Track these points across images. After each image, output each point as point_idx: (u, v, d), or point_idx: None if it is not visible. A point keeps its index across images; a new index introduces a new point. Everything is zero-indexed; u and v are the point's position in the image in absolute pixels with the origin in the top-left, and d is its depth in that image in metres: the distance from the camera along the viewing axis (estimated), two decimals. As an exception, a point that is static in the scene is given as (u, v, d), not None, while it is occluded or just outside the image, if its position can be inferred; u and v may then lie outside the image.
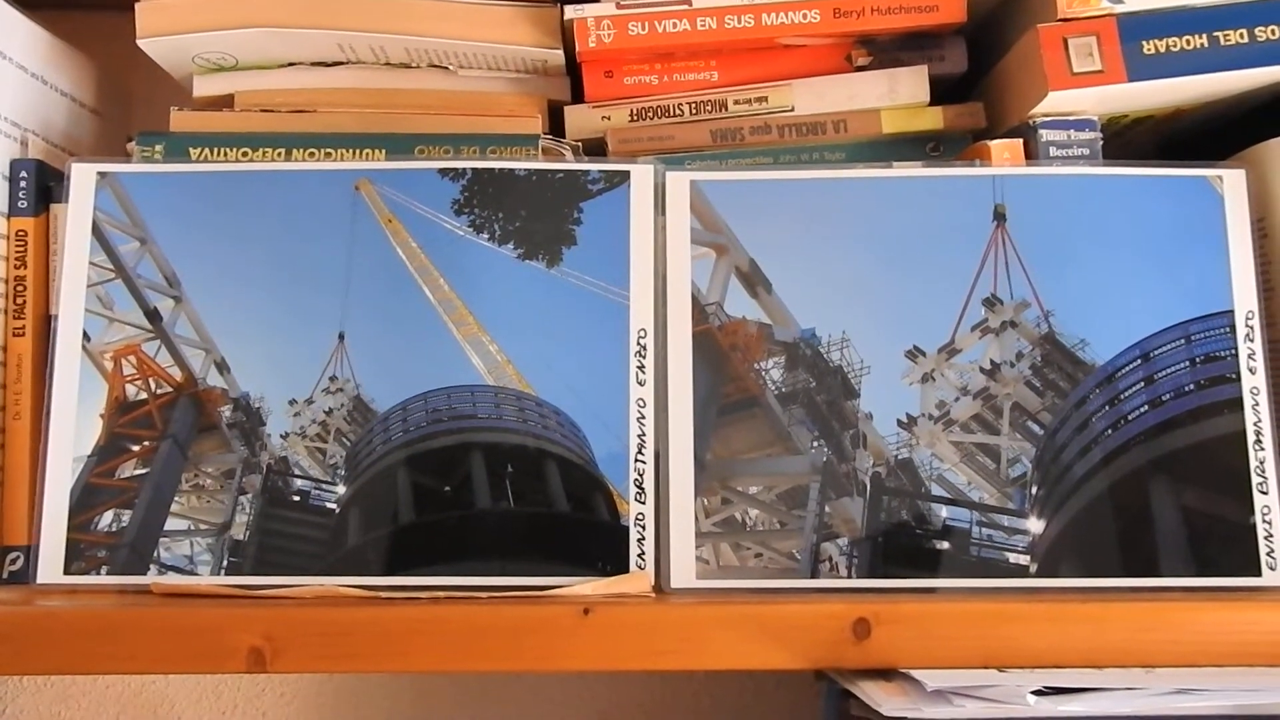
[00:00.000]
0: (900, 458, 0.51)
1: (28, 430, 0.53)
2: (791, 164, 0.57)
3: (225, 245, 0.53)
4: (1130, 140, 0.59)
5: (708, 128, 0.57)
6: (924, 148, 0.57)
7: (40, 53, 0.58)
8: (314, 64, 0.59)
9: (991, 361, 0.52)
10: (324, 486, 0.51)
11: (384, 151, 0.54)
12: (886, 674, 0.47)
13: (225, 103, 0.59)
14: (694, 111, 0.57)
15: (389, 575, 0.49)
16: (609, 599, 0.48)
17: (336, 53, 0.58)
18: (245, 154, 0.54)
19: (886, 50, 0.58)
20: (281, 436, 0.51)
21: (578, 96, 0.60)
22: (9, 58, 0.55)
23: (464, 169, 0.53)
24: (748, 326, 0.52)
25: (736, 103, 0.57)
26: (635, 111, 0.57)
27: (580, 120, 0.58)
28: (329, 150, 0.54)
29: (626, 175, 0.53)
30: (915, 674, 0.45)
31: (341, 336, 0.52)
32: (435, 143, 0.54)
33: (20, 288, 0.54)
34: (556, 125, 0.59)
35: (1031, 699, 0.42)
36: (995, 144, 0.54)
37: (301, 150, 0.54)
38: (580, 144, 0.56)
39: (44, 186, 0.55)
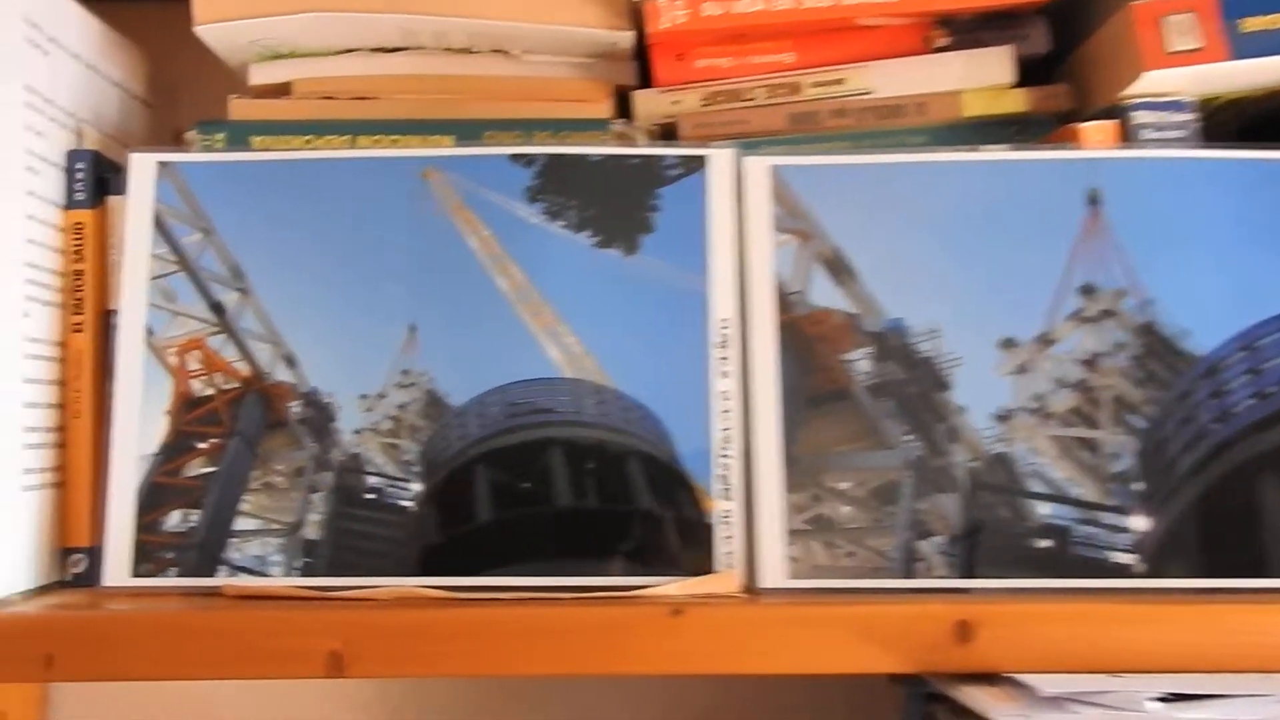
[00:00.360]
0: (996, 452, 0.49)
1: (89, 429, 0.50)
2: (870, 149, 0.55)
3: (290, 236, 0.51)
4: (1220, 123, 0.57)
5: (784, 111, 0.55)
6: (1006, 131, 0.55)
7: (92, 42, 0.56)
8: (373, 50, 0.57)
9: (1089, 352, 0.50)
10: (398, 484, 0.49)
11: (452, 138, 0.52)
12: (988, 678, 0.45)
13: (282, 91, 0.57)
14: (769, 95, 0.55)
15: (468, 576, 0.47)
16: (699, 599, 0.46)
17: (397, 38, 0.56)
18: (309, 142, 0.53)
19: (966, 30, 0.56)
20: (354, 432, 0.49)
21: (643, 81, 0.58)
22: (64, 46, 0.53)
23: (537, 155, 0.51)
24: (834, 316, 0.51)
25: (813, 85, 0.55)
26: (708, 95, 0.55)
27: (649, 105, 0.56)
28: (395, 137, 0.53)
29: (703, 161, 0.51)
30: (1025, 679, 0.43)
31: (413, 329, 0.50)
32: (505, 128, 0.53)
33: (78, 282, 0.51)
34: (622, 111, 0.57)
35: (1151, 706, 0.41)
36: (1089, 126, 0.52)
37: (367, 137, 0.53)
38: (659, 128, 0.55)
39: (100, 178, 0.53)
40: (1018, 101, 0.55)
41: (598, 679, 0.71)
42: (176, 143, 0.64)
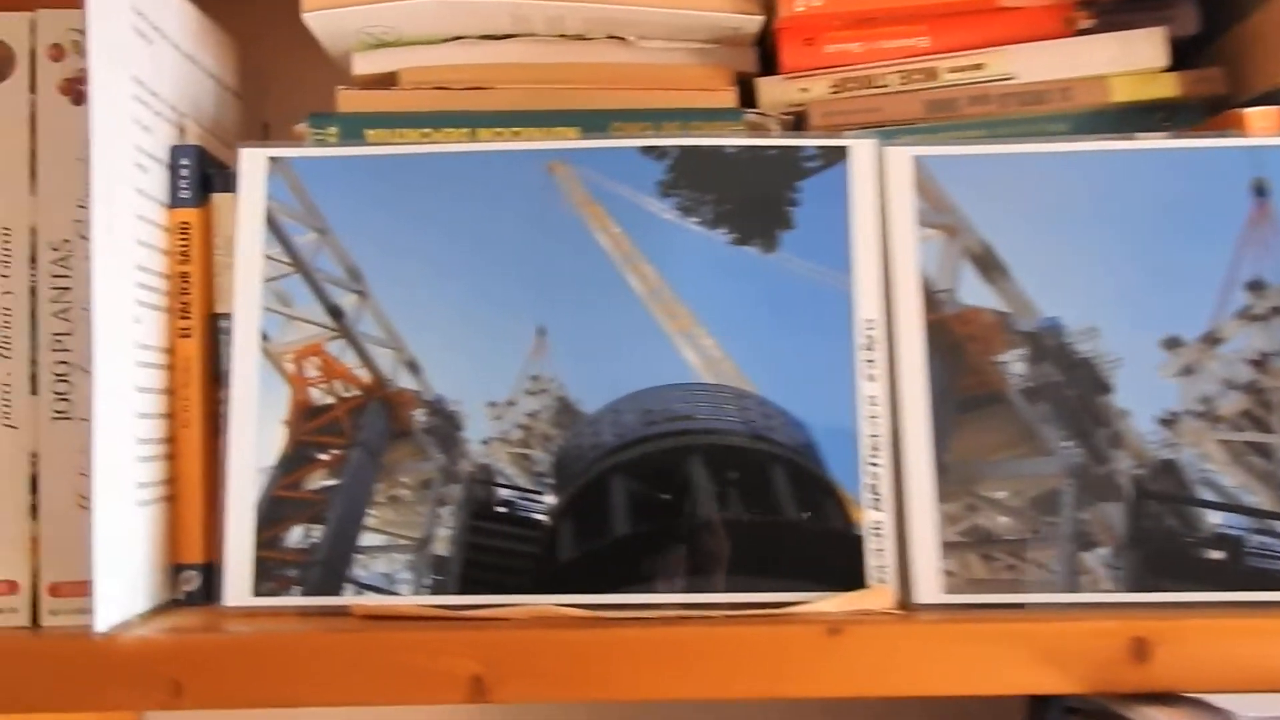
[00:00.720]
0: (1163, 459, 0.46)
1: (199, 439, 0.48)
2: (1008, 138, 0.52)
3: (410, 235, 0.48)
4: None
5: (920, 99, 0.52)
6: (1154, 118, 0.52)
7: (190, 31, 0.53)
8: (482, 37, 0.54)
9: (1259, 351, 0.47)
10: (531, 496, 0.46)
11: (577, 130, 0.49)
12: (1163, 699, 0.43)
13: (387, 81, 0.54)
14: (903, 81, 0.52)
15: (607, 593, 0.45)
16: (854, 617, 0.44)
17: (507, 24, 0.53)
18: (426, 135, 0.50)
19: (1110, 12, 0.53)
20: (482, 442, 0.47)
21: (763, 67, 0.55)
22: (166, 36, 0.50)
23: (669, 146, 0.48)
24: (984, 315, 0.48)
25: (951, 71, 0.52)
26: (838, 82, 0.52)
27: (775, 93, 0.53)
28: (517, 130, 0.50)
29: (845, 152, 0.48)
30: (1217, 701, 0.40)
31: (542, 332, 0.47)
32: (632, 119, 0.50)
33: (185, 285, 0.49)
34: (743, 100, 0.54)
35: (1362, 731, 0.38)
36: (1254, 112, 0.48)
37: (487, 130, 0.50)
38: (793, 117, 0.52)
39: (203, 175, 0.50)
40: (1169, 86, 0.52)
41: (706, 704, 0.68)
42: (264, 136, 0.62)
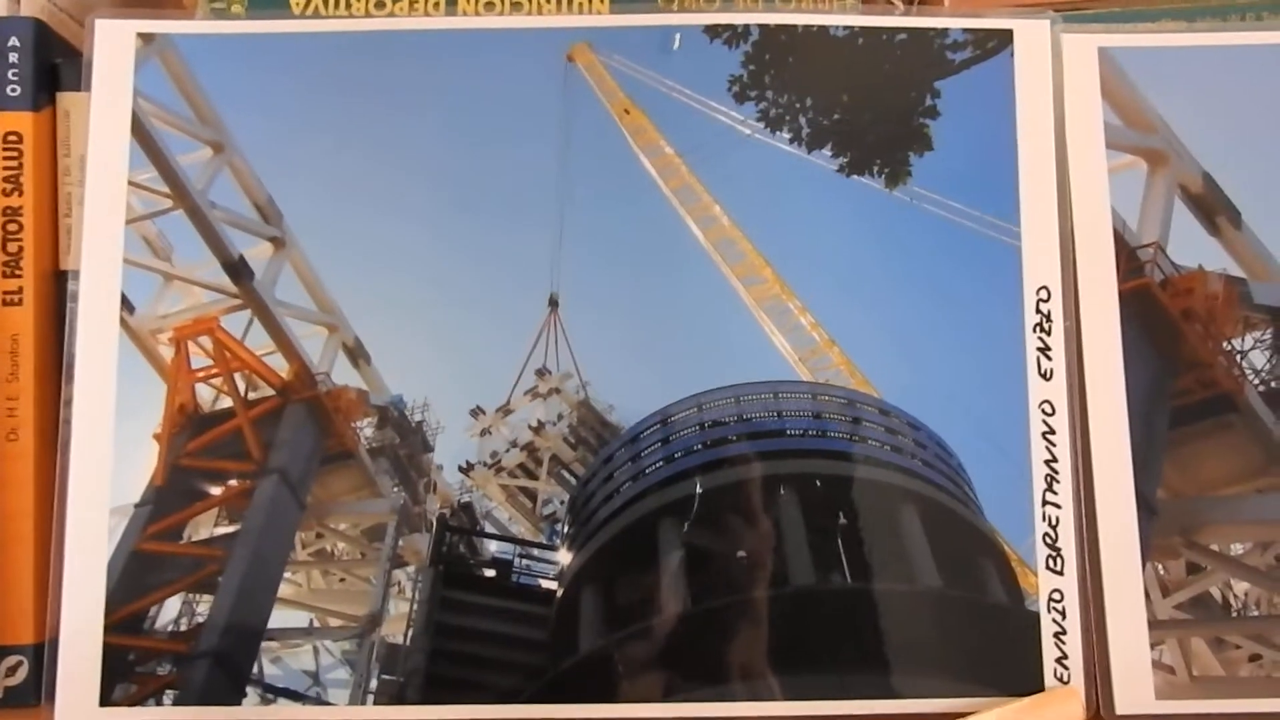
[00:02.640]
0: None
1: (30, 458, 0.35)
2: (1213, 26, 0.38)
3: (354, 153, 0.34)
4: None
5: (1095, -30, 0.38)
6: None
7: None
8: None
9: None
10: (535, 554, 0.33)
11: (607, 0, 0.35)
12: None
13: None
14: (1071, -53, 0.38)
15: (651, 702, 0.31)
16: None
17: None
18: (381, 5, 0.35)
19: None
20: (461, 470, 0.34)
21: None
22: None
23: (746, 26, 0.34)
24: (1208, 282, 0.35)
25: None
26: (976, -51, 0.38)
27: (883, -36, 0.39)
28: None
29: (1008, 37, 0.34)
30: None
31: (554, 302, 0.33)
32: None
33: (13, 226, 0.35)
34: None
35: None
36: None
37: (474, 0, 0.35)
38: (921, -10, 0.38)
39: (47, 65, 0.37)
40: None
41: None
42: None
